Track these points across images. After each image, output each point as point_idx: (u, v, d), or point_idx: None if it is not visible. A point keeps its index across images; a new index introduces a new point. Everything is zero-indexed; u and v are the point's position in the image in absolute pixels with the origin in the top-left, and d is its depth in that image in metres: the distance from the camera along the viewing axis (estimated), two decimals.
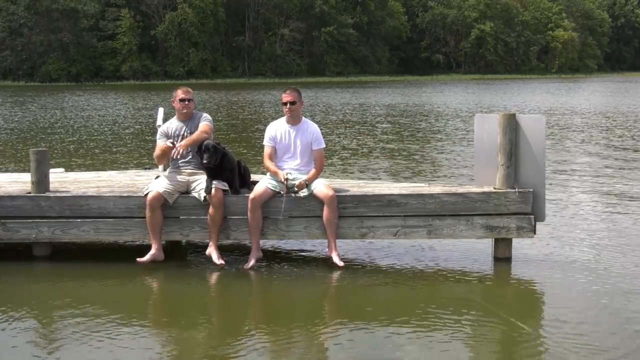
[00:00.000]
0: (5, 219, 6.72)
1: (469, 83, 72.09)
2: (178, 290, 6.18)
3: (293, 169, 6.77)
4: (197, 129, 6.78)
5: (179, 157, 6.71)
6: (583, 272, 6.49)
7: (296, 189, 6.64)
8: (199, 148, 6.63)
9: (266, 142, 6.91)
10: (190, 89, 7.00)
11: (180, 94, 6.86)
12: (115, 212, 6.72)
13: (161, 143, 6.85)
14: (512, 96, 43.30)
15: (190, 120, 6.90)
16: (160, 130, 7.00)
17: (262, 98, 42.66)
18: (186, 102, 6.85)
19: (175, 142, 6.72)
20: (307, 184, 6.63)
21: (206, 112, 7.11)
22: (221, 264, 6.54)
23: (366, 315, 5.42)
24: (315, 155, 6.85)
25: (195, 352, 4.81)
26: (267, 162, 6.85)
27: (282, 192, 6.60)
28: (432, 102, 37.47)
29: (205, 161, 6.55)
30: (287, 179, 6.60)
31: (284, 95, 6.86)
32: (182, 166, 6.84)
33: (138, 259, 6.58)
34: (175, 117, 7.00)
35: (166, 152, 6.77)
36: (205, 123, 6.82)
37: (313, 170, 6.77)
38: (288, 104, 6.78)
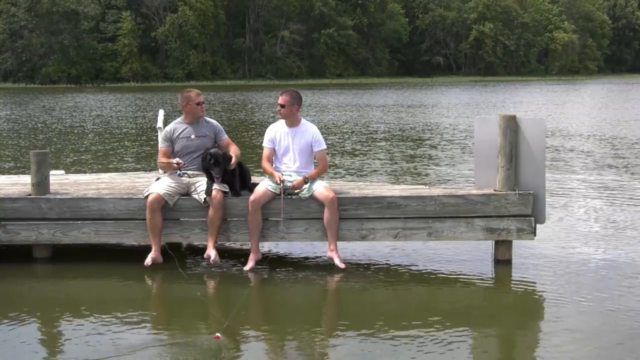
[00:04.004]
0: (5, 221, 6.72)
1: (466, 85, 72.03)
2: (178, 292, 6.18)
3: (293, 171, 6.78)
4: (206, 135, 6.85)
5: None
6: (584, 273, 6.49)
7: (292, 191, 6.63)
8: (208, 159, 6.63)
9: (265, 144, 6.92)
10: (199, 92, 7.03)
11: (194, 97, 6.89)
12: (116, 214, 6.72)
13: (164, 148, 6.89)
14: (507, 97, 43.29)
15: (198, 124, 6.92)
16: (163, 135, 7.01)
17: (260, 100, 42.64)
18: (200, 105, 6.92)
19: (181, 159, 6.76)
20: (306, 181, 6.63)
21: (207, 115, 7.13)
22: (219, 265, 6.55)
23: (366, 317, 5.42)
24: (318, 156, 6.87)
25: (194, 354, 4.81)
26: (265, 164, 6.86)
27: (279, 193, 6.60)
28: (431, 103, 37.46)
29: (217, 176, 6.57)
30: (282, 181, 6.62)
31: (279, 97, 6.88)
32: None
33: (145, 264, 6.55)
34: (180, 119, 7.02)
35: (173, 167, 6.80)
36: (233, 146, 6.92)
37: (313, 170, 6.79)
38: (279, 107, 6.81)
